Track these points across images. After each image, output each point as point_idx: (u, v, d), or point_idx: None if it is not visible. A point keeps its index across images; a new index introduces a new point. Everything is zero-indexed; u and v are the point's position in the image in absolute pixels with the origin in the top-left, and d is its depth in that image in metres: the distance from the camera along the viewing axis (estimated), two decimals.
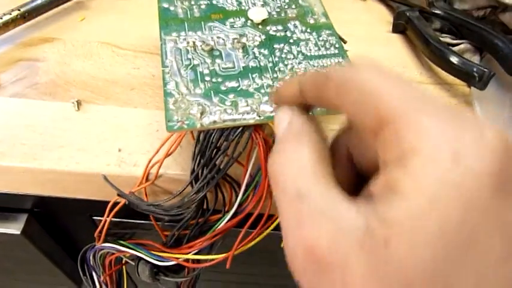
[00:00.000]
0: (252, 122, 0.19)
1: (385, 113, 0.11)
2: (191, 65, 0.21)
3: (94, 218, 0.29)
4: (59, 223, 0.32)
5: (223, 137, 0.20)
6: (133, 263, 0.27)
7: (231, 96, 0.20)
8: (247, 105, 0.20)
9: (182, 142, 0.21)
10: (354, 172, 0.15)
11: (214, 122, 0.19)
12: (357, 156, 0.15)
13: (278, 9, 0.25)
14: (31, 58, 0.29)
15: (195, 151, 0.20)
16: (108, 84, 0.28)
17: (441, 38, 0.31)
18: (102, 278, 0.29)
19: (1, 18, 0.29)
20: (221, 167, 0.21)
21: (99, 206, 0.27)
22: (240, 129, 0.19)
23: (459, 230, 0.09)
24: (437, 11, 0.33)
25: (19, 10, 0.30)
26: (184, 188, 0.21)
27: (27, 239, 0.28)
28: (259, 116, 0.19)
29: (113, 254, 0.29)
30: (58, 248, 0.32)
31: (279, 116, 0.15)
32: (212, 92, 0.20)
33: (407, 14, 0.33)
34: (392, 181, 0.10)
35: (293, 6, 0.26)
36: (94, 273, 0.30)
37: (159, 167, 0.22)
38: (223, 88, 0.20)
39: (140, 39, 0.31)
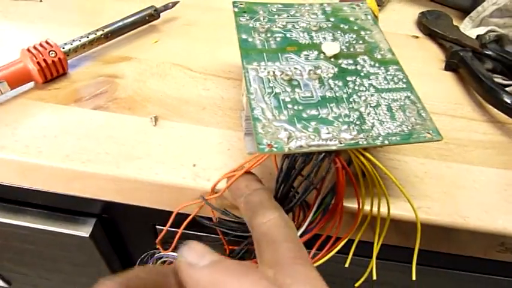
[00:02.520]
0: (334, 148, 0.21)
1: None
2: (273, 93, 0.23)
3: (157, 226, 0.31)
4: (120, 229, 0.33)
5: (306, 162, 0.21)
6: None
7: (313, 123, 0.22)
8: (329, 132, 0.21)
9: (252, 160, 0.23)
10: None
11: (301, 146, 0.21)
12: None
13: (347, 44, 0.27)
14: (111, 75, 0.32)
15: (279, 177, 0.21)
16: (181, 103, 0.30)
17: (494, 78, 0.32)
18: None
19: (87, 37, 0.32)
20: (299, 191, 0.22)
21: (163, 216, 0.28)
22: (323, 154, 0.21)
23: None
24: (490, 53, 0.34)
25: (103, 30, 0.33)
26: None
27: (93, 243, 0.30)
28: (341, 143, 0.21)
29: (172, 262, 0.30)
30: (113, 253, 0.34)
31: None
32: (295, 118, 0.22)
33: (461, 54, 0.34)
34: None
35: (360, 42, 0.27)
36: None
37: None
38: (305, 115, 0.22)
39: (208, 63, 0.33)
